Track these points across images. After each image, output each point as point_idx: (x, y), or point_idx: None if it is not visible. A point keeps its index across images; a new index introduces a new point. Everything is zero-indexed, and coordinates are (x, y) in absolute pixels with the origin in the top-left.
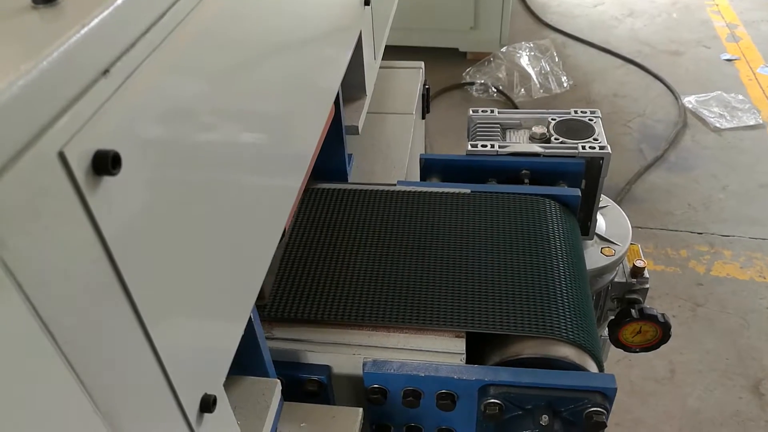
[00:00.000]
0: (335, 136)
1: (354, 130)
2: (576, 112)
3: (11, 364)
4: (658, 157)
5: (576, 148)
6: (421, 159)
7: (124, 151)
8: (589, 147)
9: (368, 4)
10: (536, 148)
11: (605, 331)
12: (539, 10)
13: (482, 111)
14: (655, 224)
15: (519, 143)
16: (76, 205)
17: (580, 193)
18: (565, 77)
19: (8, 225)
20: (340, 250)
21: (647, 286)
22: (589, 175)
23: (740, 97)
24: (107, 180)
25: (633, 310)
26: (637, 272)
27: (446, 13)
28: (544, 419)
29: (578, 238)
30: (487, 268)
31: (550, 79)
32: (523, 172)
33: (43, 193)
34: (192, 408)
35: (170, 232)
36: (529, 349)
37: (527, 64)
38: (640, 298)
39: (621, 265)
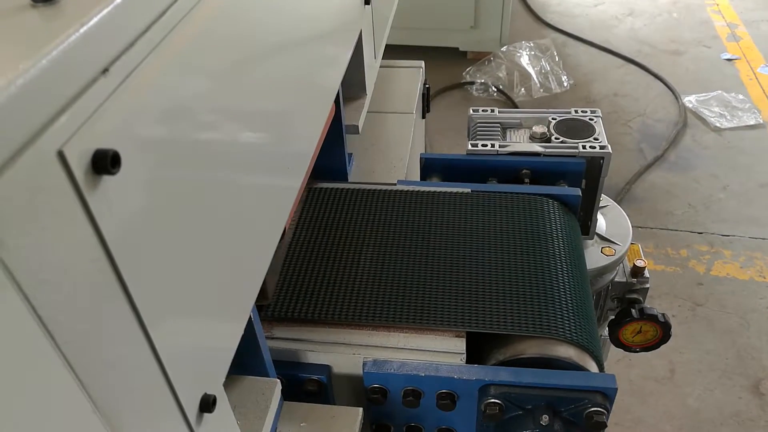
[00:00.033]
0: (335, 136)
1: (354, 129)
2: (576, 111)
3: (10, 363)
4: (658, 157)
5: (576, 147)
6: (421, 158)
7: (124, 151)
8: (590, 146)
9: (368, 4)
10: (536, 147)
11: (605, 331)
12: (539, 9)
13: (482, 110)
14: (655, 224)
15: (519, 143)
16: (75, 204)
17: (580, 193)
18: (565, 77)
19: (7, 224)
20: (340, 249)
21: (647, 285)
22: (589, 174)
23: (740, 96)
24: (107, 179)
25: (633, 310)
26: (637, 272)
27: (446, 13)
28: (545, 419)
29: (578, 237)
30: (487, 268)
31: (550, 79)
32: (524, 171)
33: (42, 192)
34: (191, 408)
35: (170, 231)
36: (530, 348)
37: (527, 64)
38: (641, 298)
39: (621, 264)
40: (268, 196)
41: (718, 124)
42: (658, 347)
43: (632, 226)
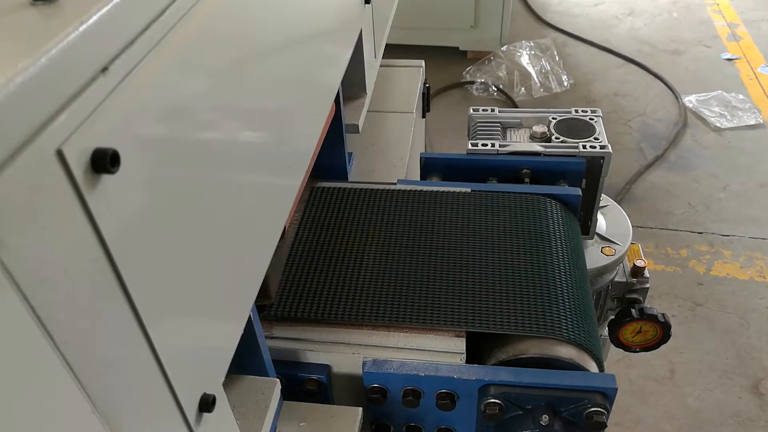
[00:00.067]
0: (335, 135)
1: (354, 128)
2: (577, 111)
3: (9, 363)
4: (658, 157)
5: (577, 147)
6: (421, 158)
7: (123, 150)
8: (590, 146)
9: (369, 3)
10: (537, 147)
11: (605, 331)
12: (540, 9)
13: (483, 110)
14: (655, 224)
15: (519, 142)
16: (74, 203)
17: (580, 193)
18: (565, 76)
19: (6, 223)
20: (340, 249)
21: (647, 285)
22: (589, 174)
23: (741, 96)
24: (106, 178)
25: (633, 310)
26: (637, 272)
27: (447, 12)
28: (544, 419)
29: (579, 237)
30: (487, 268)
31: (550, 78)
32: (524, 171)
33: (42, 191)
34: (191, 408)
35: (170, 231)
36: (529, 348)
37: (527, 63)
38: (641, 298)
39: (621, 264)
40: (268, 196)
41: (718, 124)
42: (658, 347)
43: (632, 226)
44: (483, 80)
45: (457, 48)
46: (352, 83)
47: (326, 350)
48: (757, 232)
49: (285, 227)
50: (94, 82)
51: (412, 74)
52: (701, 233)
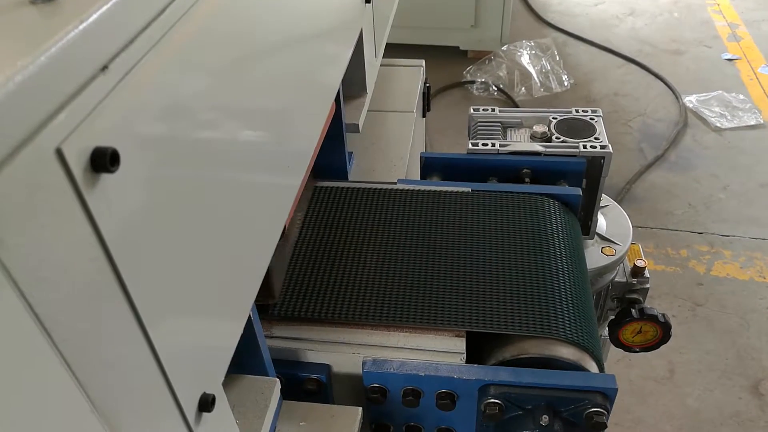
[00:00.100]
0: (336, 134)
1: (354, 128)
2: (577, 111)
3: (7, 362)
4: (658, 157)
5: (577, 147)
6: (421, 157)
7: (123, 149)
8: (590, 146)
9: (369, 2)
10: (537, 147)
11: (605, 331)
12: (540, 8)
13: (483, 109)
14: (656, 224)
15: (520, 142)
16: (74, 202)
17: (581, 193)
18: (565, 76)
19: (5, 222)
20: (340, 249)
21: (647, 285)
22: (590, 174)
23: (741, 96)
24: (105, 177)
25: (633, 310)
26: (637, 272)
27: (447, 12)
28: (544, 419)
29: (579, 237)
30: (487, 267)
31: (550, 78)
32: (524, 171)
33: (41, 190)
34: (190, 407)
35: (169, 230)
36: (530, 348)
37: (528, 63)
38: (641, 298)
39: (621, 264)
40: (268, 195)
41: (718, 124)
42: (658, 347)
43: (632, 226)
44: (483, 80)
45: (458, 47)
46: (353, 82)
47: (326, 350)
48: (758, 232)
49: (285, 226)
50: (93, 81)
51: (413, 74)
52: (701, 233)
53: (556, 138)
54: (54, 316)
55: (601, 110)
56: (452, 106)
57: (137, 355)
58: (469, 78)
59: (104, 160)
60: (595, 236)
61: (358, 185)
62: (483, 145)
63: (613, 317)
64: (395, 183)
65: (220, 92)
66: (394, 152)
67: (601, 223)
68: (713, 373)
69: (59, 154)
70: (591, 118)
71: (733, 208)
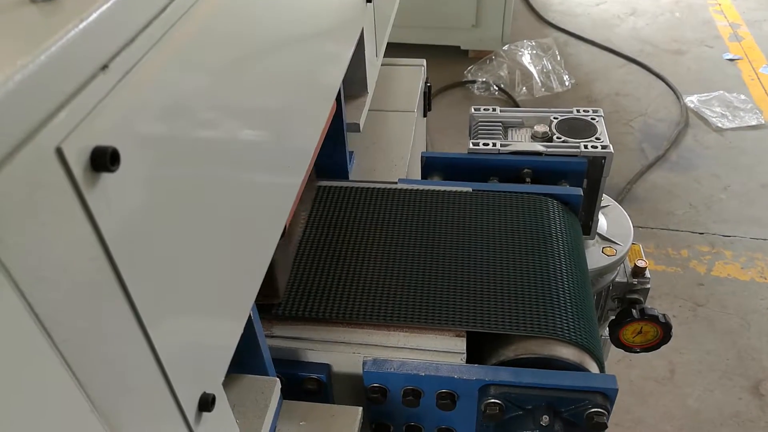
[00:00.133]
0: (336, 134)
1: (355, 127)
2: (578, 110)
3: (6, 362)
4: (659, 157)
5: (578, 147)
6: (422, 157)
7: (123, 148)
8: (591, 146)
9: (370, 1)
10: (538, 146)
11: (606, 331)
12: (541, 8)
13: (484, 109)
14: (656, 224)
15: (521, 142)
16: (74, 202)
17: (582, 193)
18: (566, 76)
19: (4, 221)
20: (341, 248)
21: (648, 286)
22: (591, 174)
23: (742, 96)
24: (105, 177)
25: (634, 310)
26: (638, 272)
27: (448, 11)
28: (545, 420)
29: (580, 237)
30: (487, 267)
31: (551, 78)
32: (525, 170)
33: (41, 189)
34: (190, 407)
35: (169, 229)
36: (530, 349)
37: (529, 63)
38: (641, 298)
39: (622, 264)
40: (269, 194)
41: (719, 124)
42: (659, 348)
43: (633, 226)
44: (484, 79)
45: (459, 47)
46: (354, 82)
47: (326, 349)
48: (759, 232)
49: (286, 226)
50: (94, 80)
51: (414, 73)
52: (702, 234)
53: (557, 138)
54: (54, 315)
55: (602, 110)
56: (453, 106)
57: (137, 355)
58: (470, 78)
59: (104, 160)
60: (596, 236)
61: (359, 185)
62: (484, 144)
63: (614, 317)
64: (396, 183)
65: (221, 91)
66: (395, 152)
67: (602, 223)
68: (714, 373)
69: (59, 153)
70: (592, 118)
71: (734, 208)
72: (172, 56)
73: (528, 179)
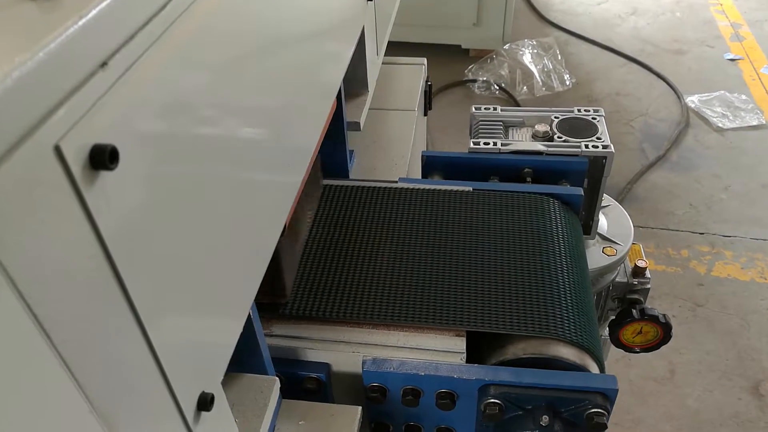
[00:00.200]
0: (337, 132)
1: (356, 126)
2: (579, 110)
3: (5, 362)
4: (660, 157)
5: (579, 146)
6: (423, 156)
7: (122, 146)
8: (592, 146)
9: (371, 0)
10: (539, 146)
11: (606, 331)
12: (542, 7)
13: (485, 108)
14: (657, 224)
15: (521, 141)
16: (72, 200)
17: (582, 192)
18: (567, 75)
19: (2, 219)
20: (343, 248)
21: (648, 286)
22: (591, 174)
23: (743, 97)
24: (104, 175)
25: (634, 310)
26: (638, 272)
27: (449, 10)
28: (545, 420)
29: (580, 237)
30: (488, 267)
31: (552, 77)
32: (526, 170)
33: (39, 187)
34: (189, 406)
35: (169, 228)
36: (530, 348)
37: (530, 62)
38: (641, 298)
39: (622, 264)
40: (268, 193)
41: (720, 125)
42: (659, 348)
43: (633, 226)
44: (485, 78)
45: (460, 46)
46: (354, 80)
47: (326, 349)
48: (759, 233)
49: (286, 224)
50: (93, 77)
51: (414, 72)
52: (702, 234)
53: (558, 137)
54: (52, 315)
55: (603, 110)
56: (454, 105)
57: (136, 354)
58: (470, 77)
59: (103, 158)
60: (597, 236)
61: (360, 184)
62: (484, 144)
63: (614, 317)
64: (396, 182)
65: (221, 89)
66: (395, 151)
67: (603, 223)
68: (713, 373)
69: (58, 151)
70: (593, 118)
71: (735, 208)
72: (171, 54)
73: (528, 179)
